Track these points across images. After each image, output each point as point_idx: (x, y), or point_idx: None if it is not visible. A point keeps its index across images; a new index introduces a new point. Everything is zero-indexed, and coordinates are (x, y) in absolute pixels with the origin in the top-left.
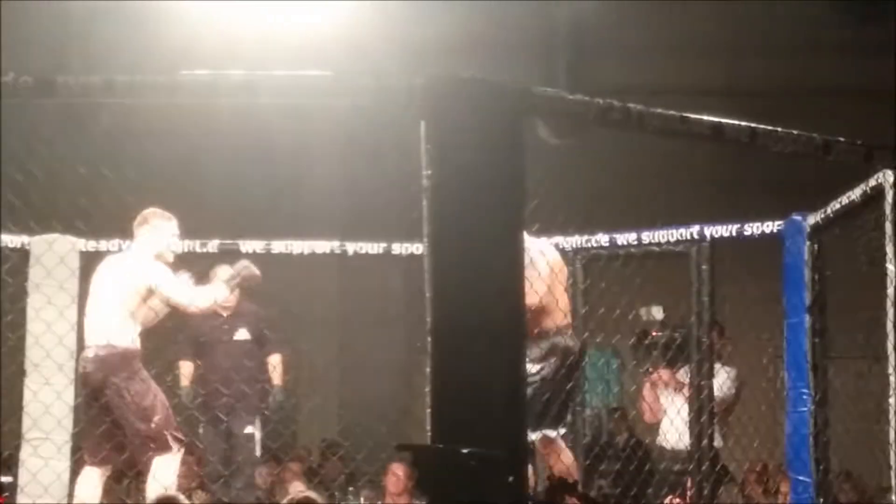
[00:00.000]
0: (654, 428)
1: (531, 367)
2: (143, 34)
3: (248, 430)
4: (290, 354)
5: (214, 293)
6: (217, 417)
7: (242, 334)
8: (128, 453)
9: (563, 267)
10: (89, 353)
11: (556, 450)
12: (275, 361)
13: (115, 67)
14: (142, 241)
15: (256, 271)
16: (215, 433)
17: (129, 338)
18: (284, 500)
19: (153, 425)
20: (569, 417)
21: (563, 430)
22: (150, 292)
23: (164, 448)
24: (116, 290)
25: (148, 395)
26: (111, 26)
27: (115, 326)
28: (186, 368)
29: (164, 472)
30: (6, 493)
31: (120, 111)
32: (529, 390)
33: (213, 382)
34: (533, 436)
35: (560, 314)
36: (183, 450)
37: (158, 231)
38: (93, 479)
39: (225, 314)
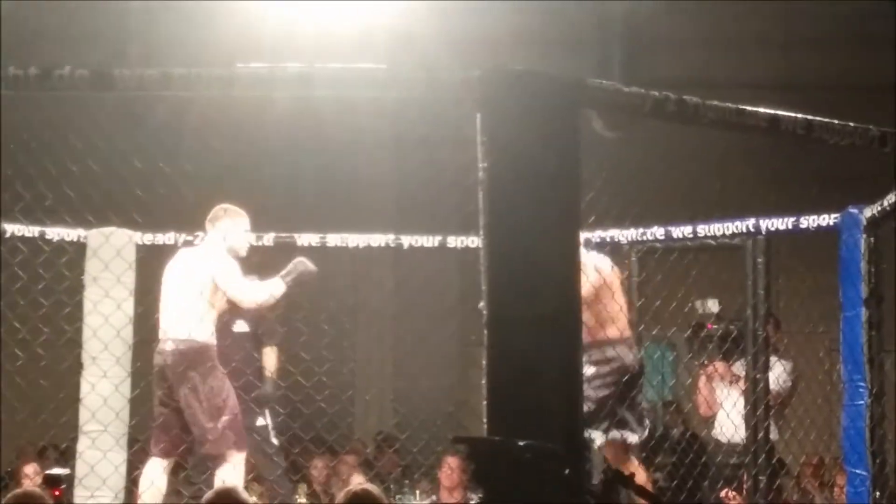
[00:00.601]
0: (710, 421)
1: (588, 370)
2: (200, 29)
3: (261, 421)
4: (283, 346)
5: (271, 288)
6: None
7: (241, 326)
8: (191, 447)
9: (616, 278)
10: (168, 346)
11: (626, 460)
12: (272, 353)
13: (172, 62)
14: (214, 235)
15: (312, 266)
16: None
17: (207, 332)
18: (342, 493)
19: (219, 425)
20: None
21: (632, 437)
22: (216, 286)
23: (225, 448)
24: (193, 283)
25: (221, 394)
26: (169, 21)
27: (195, 320)
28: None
29: (230, 473)
30: (63, 486)
31: (177, 105)
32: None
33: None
34: (599, 439)
35: (614, 327)
36: (245, 452)
37: (231, 226)
38: (157, 470)
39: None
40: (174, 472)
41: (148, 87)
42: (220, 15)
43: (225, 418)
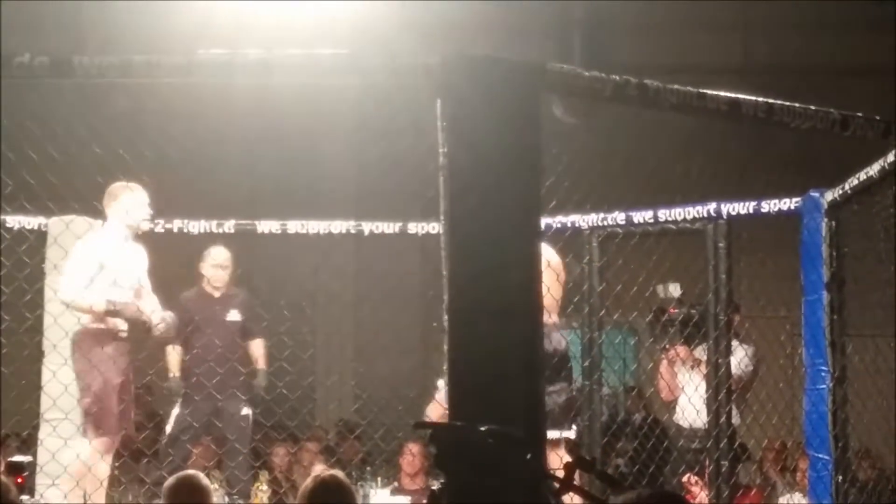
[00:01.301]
0: (671, 406)
1: None
2: (158, 17)
3: (245, 411)
4: (269, 340)
5: (92, 300)
6: (208, 396)
7: (234, 315)
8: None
9: (562, 269)
10: None
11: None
12: (258, 346)
13: (131, 49)
14: (116, 212)
15: (166, 325)
16: (203, 413)
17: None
18: (309, 479)
19: (82, 406)
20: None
21: (570, 434)
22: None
23: (85, 428)
24: None
25: (84, 378)
26: (127, 9)
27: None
28: (175, 355)
29: (84, 451)
30: (26, 473)
31: (135, 91)
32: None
33: (206, 362)
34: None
35: (548, 314)
36: (103, 440)
37: (132, 201)
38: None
39: (217, 294)
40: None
41: (108, 73)
42: (179, 3)
43: (86, 400)
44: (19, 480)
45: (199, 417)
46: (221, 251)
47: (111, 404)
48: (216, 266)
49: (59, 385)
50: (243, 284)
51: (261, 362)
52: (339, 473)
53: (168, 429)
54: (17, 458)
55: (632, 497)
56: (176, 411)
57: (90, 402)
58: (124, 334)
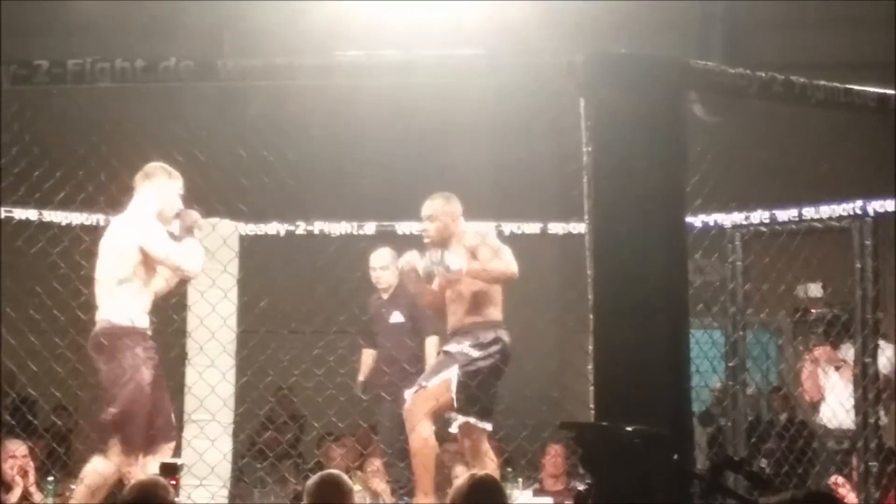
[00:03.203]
0: (816, 407)
1: (472, 352)
2: (292, 20)
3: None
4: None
5: (196, 253)
6: (376, 399)
7: (397, 317)
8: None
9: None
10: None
11: (480, 443)
12: (432, 343)
13: (262, 51)
14: (142, 198)
15: (196, 216)
16: (380, 413)
17: (122, 313)
18: (463, 478)
19: (108, 416)
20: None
21: (489, 426)
22: (145, 255)
23: (107, 438)
24: (110, 256)
25: (117, 382)
26: (258, 9)
27: (108, 298)
28: (367, 357)
29: (98, 464)
30: (180, 475)
31: (275, 94)
32: (464, 374)
33: (379, 365)
34: (457, 422)
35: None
36: (128, 455)
37: (166, 185)
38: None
39: (385, 297)
40: None
41: (250, 76)
42: (312, 5)
43: (111, 410)
44: (173, 482)
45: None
46: (379, 253)
47: (145, 413)
48: (374, 269)
49: (206, 386)
50: None
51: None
52: (492, 474)
53: None
54: (170, 459)
55: (785, 498)
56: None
57: (119, 413)
58: (150, 332)
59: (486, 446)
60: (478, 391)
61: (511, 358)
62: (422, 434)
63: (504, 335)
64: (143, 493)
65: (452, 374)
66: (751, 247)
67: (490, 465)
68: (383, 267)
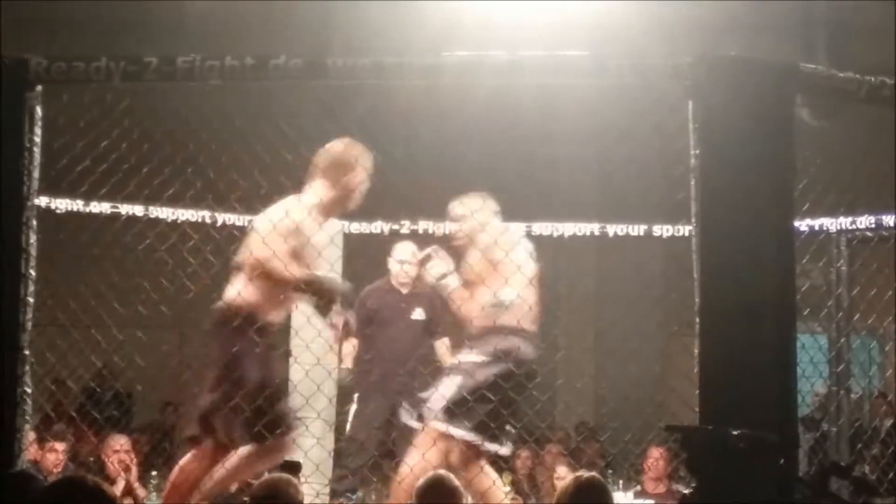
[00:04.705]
0: None
1: (475, 358)
2: (398, 20)
3: (411, 422)
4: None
5: (300, 274)
6: (387, 395)
7: (419, 314)
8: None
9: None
10: None
11: (476, 466)
12: (445, 345)
13: (370, 50)
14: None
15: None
16: (374, 410)
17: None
18: (570, 479)
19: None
20: (506, 445)
21: (501, 449)
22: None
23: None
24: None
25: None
26: (369, 9)
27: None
28: (349, 347)
29: (189, 460)
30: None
31: (382, 93)
32: (463, 385)
33: (388, 361)
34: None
35: (523, 314)
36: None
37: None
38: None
39: (404, 291)
40: None
41: (359, 75)
42: (419, 6)
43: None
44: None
45: (378, 417)
46: (408, 246)
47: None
48: (401, 262)
49: (311, 384)
50: None
51: (445, 361)
52: (598, 476)
53: (347, 427)
54: (290, 457)
55: None
56: (354, 409)
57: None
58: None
59: (479, 463)
60: (474, 404)
61: (530, 368)
62: (480, 486)
63: (522, 344)
64: (272, 489)
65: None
66: (857, 252)
67: (483, 484)
68: (408, 261)
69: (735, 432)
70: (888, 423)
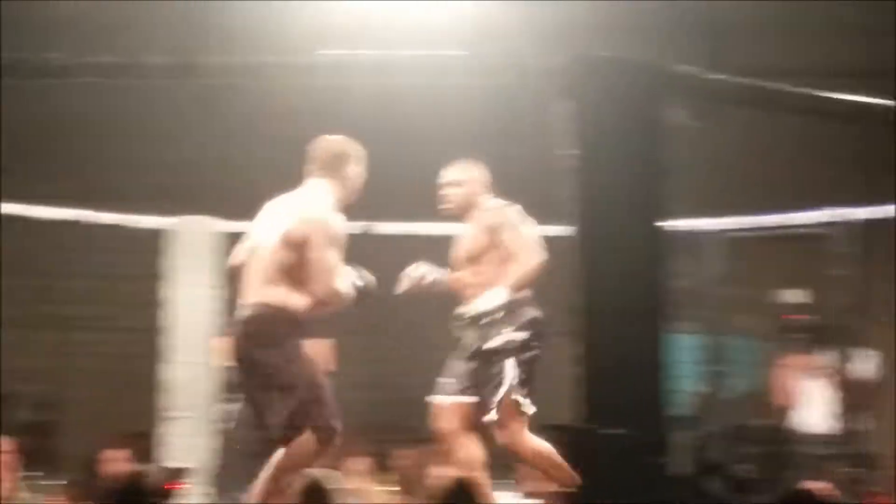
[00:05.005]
0: (792, 412)
1: (516, 336)
2: (273, 17)
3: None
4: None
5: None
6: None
7: None
8: None
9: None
10: None
11: (522, 429)
12: (320, 345)
13: (247, 50)
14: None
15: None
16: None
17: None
18: (439, 479)
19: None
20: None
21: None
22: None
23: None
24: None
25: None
26: (243, 8)
27: None
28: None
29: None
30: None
31: (252, 92)
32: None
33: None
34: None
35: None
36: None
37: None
38: None
39: None
40: None
41: (231, 75)
42: (295, 6)
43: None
44: (176, 486)
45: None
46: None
47: None
48: None
49: (186, 383)
50: None
51: (326, 363)
52: (472, 475)
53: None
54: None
55: (772, 499)
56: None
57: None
58: None
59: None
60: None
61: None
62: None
63: (537, 312)
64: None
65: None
66: (733, 252)
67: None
68: None
69: (613, 431)
70: (766, 422)
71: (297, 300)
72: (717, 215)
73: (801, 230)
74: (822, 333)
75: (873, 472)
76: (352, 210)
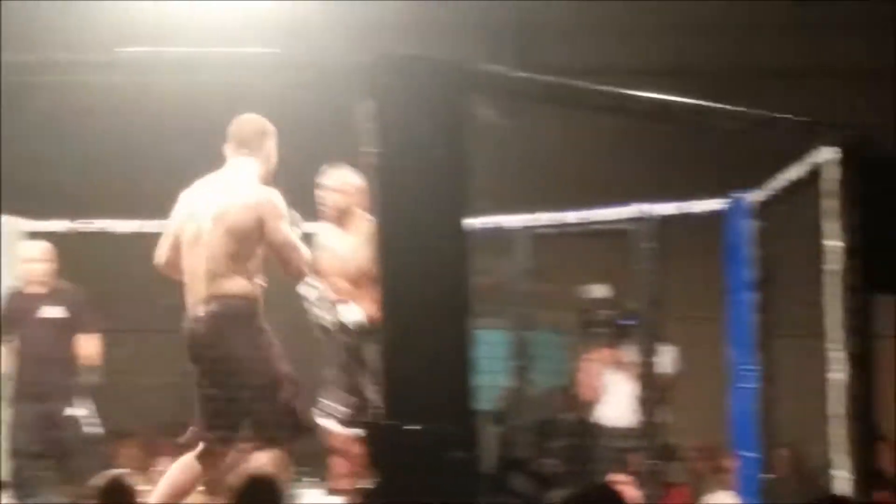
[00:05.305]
0: (596, 406)
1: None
2: (78, 14)
3: (70, 411)
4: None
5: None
6: (34, 398)
7: (56, 312)
8: None
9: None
10: None
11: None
12: (87, 341)
13: (49, 47)
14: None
15: None
16: (33, 414)
17: None
18: (237, 477)
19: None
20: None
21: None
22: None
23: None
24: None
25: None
26: (47, 6)
27: None
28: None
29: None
30: None
31: (56, 91)
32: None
33: (29, 362)
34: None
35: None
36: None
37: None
38: None
39: (40, 291)
40: None
41: (28, 72)
42: (96, 5)
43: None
44: None
45: (29, 421)
46: (36, 245)
47: None
48: (30, 260)
49: None
50: None
51: (91, 360)
52: (268, 471)
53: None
54: None
55: (574, 494)
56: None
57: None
58: None
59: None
60: None
61: None
62: None
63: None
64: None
65: None
66: (540, 248)
67: None
68: (41, 259)
69: (416, 427)
70: (571, 416)
71: (255, 288)
72: (524, 212)
73: (605, 226)
74: (623, 328)
75: (672, 465)
76: (150, 208)
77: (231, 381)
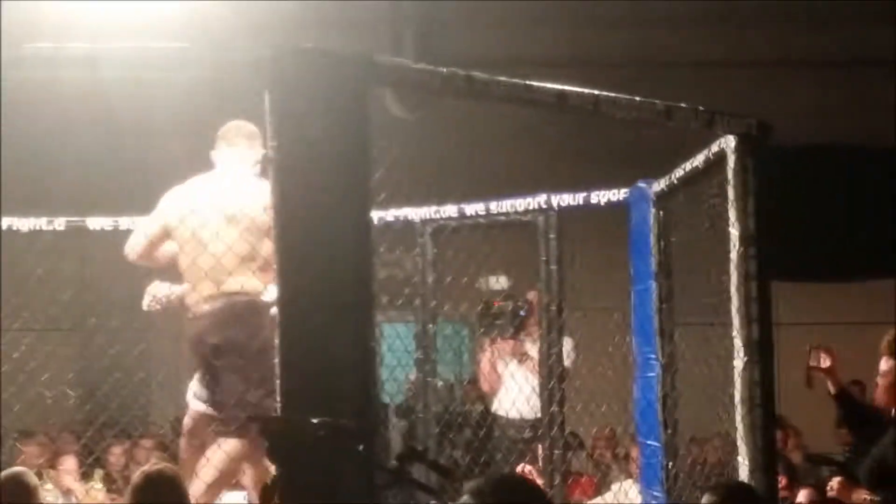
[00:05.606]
0: (494, 397)
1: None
2: None
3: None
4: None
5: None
6: None
7: None
8: None
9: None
10: None
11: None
12: None
13: None
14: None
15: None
16: None
17: None
18: (137, 474)
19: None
20: None
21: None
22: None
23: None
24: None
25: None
26: None
27: None
28: None
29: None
30: None
31: None
32: None
33: None
34: None
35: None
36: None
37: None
38: None
39: None
40: None
41: None
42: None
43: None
44: None
45: None
46: None
47: None
48: None
49: None
50: None
51: None
52: (169, 467)
53: None
54: None
55: (479, 484)
56: None
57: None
58: None
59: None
60: None
61: None
62: None
63: None
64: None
65: None
66: (438, 240)
67: None
68: None
69: (313, 420)
70: (473, 408)
71: (262, 286)
72: (428, 204)
73: (509, 218)
74: (525, 319)
75: (576, 454)
76: (60, 205)
77: (244, 371)
